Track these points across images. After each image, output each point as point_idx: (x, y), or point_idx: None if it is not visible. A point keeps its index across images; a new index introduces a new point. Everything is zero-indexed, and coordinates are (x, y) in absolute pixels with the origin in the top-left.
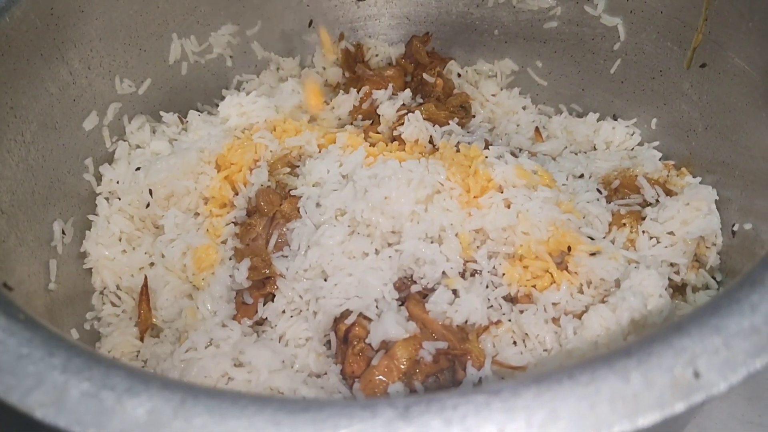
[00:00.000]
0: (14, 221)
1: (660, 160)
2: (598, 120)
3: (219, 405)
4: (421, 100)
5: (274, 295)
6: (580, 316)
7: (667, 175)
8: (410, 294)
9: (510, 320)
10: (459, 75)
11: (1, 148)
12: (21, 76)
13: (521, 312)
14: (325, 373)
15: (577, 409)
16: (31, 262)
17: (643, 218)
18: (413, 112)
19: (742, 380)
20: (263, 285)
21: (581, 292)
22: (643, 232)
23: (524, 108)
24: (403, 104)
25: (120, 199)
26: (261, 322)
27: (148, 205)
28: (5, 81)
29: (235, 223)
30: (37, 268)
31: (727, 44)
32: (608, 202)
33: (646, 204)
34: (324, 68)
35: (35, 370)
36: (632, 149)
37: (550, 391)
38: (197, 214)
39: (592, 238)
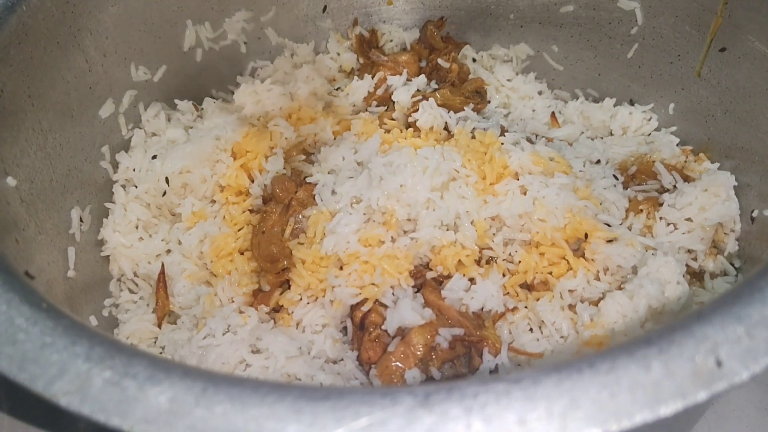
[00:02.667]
0: (33, 210)
1: (678, 145)
2: (615, 105)
3: (240, 393)
4: (435, 86)
5: (290, 283)
6: (596, 303)
7: (685, 161)
8: (426, 281)
9: (526, 307)
10: (474, 60)
11: (20, 136)
12: (38, 65)
13: (537, 299)
14: (342, 360)
15: (597, 398)
16: (50, 250)
17: (661, 204)
18: (428, 98)
19: (764, 369)
20: (280, 273)
21: (598, 279)
22: (661, 218)
23: (540, 93)
24: (418, 90)
25: (136, 186)
26: (278, 309)
27: (164, 194)
28: (22, 69)
29: (252, 211)
30: (56, 256)
31: (747, 27)
32: (625, 188)
33: (663, 190)
34: (338, 54)
35: (59, 359)
36: (649, 135)
37: (570, 380)
38: (213, 201)
39: (608, 225)
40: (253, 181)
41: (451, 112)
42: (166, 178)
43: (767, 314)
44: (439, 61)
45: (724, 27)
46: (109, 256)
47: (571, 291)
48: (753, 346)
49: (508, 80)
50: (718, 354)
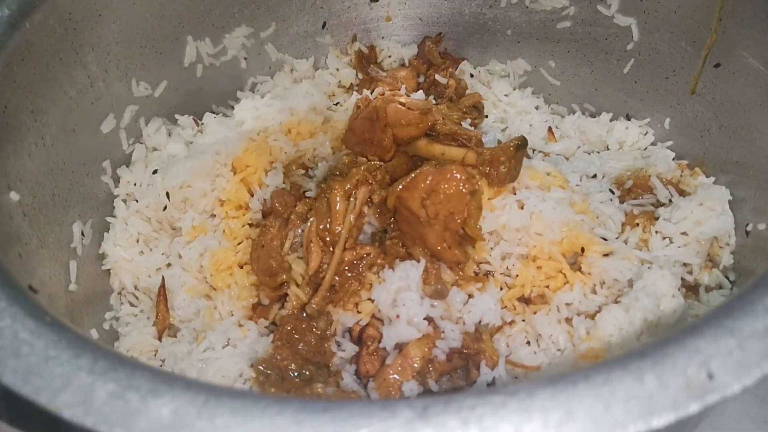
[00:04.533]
0: (36, 224)
1: (673, 159)
2: (612, 120)
3: (242, 405)
4: (434, 101)
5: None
6: (593, 317)
7: (681, 175)
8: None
9: (524, 320)
10: (472, 75)
11: (23, 151)
12: (41, 80)
13: (534, 312)
14: (340, 372)
15: (592, 409)
16: (52, 263)
17: (656, 218)
18: None
19: (755, 382)
20: (279, 287)
21: (594, 292)
22: (656, 232)
23: (537, 108)
24: None
25: (137, 201)
26: (276, 323)
27: (165, 208)
28: (26, 85)
29: (251, 225)
30: (57, 269)
31: (741, 44)
32: (621, 202)
33: (659, 204)
34: (338, 69)
35: (63, 372)
36: (645, 149)
37: (566, 392)
38: (213, 215)
39: (605, 239)
40: (252, 196)
41: None
42: (167, 193)
43: (759, 327)
44: (437, 76)
45: (718, 43)
46: (110, 269)
47: (567, 304)
48: (744, 358)
49: (506, 95)
50: (710, 367)
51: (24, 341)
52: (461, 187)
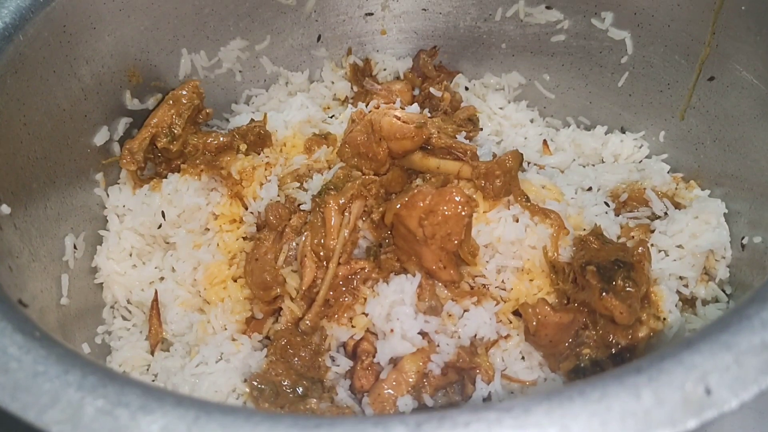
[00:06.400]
0: (27, 237)
1: (668, 172)
2: (606, 133)
3: (232, 422)
4: (428, 114)
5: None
6: None
7: (676, 188)
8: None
9: (518, 334)
10: (466, 88)
11: (15, 164)
12: (34, 93)
13: None
14: (334, 387)
15: (588, 426)
16: (43, 277)
17: (652, 231)
18: None
19: (753, 397)
20: (273, 300)
21: None
22: (652, 245)
23: (532, 121)
24: None
25: (131, 210)
26: (270, 337)
27: (160, 226)
28: (19, 98)
29: (246, 238)
30: (49, 283)
31: (735, 57)
32: (616, 215)
33: (654, 217)
34: (333, 82)
35: (51, 388)
36: (640, 162)
37: (561, 408)
38: (207, 229)
39: None
40: (247, 209)
41: None
42: (162, 212)
43: (756, 342)
44: (432, 89)
45: (712, 56)
46: (102, 283)
47: None
48: (742, 374)
49: (501, 108)
50: (708, 382)
51: (12, 356)
52: (460, 210)
